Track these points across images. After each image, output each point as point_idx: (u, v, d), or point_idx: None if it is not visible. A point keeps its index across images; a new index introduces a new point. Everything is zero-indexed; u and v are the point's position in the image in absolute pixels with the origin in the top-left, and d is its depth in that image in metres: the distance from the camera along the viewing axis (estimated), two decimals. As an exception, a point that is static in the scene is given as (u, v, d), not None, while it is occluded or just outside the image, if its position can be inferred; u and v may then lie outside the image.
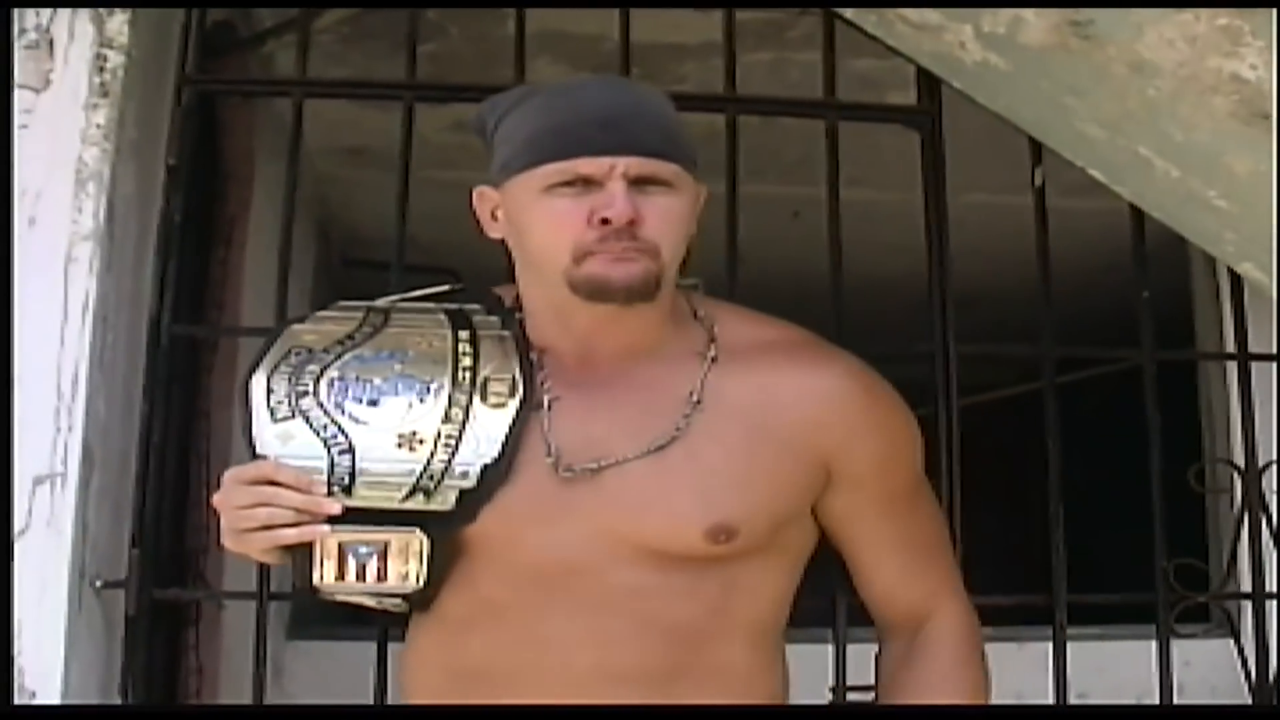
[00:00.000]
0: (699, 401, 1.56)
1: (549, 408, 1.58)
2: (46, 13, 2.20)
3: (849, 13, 2.26)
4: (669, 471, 1.53)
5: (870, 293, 1.69)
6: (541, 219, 1.53)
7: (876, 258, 3.17)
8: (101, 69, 2.21)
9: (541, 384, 1.60)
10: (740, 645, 1.60)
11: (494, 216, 1.62)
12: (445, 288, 1.73)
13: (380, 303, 1.73)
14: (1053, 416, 2.28)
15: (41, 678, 2.03)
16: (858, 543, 1.67)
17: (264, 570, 2.22)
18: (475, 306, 1.69)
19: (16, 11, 2.17)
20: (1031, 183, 2.33)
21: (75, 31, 2.21)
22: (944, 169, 2.36)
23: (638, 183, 1.50)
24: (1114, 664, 3.14)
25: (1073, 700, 2.23)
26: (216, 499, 1.59)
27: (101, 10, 2.22)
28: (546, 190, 1.52)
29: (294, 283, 2.40)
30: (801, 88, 2.99)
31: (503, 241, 1.65)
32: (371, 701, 2.20)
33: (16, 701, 1.98)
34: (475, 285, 1.74)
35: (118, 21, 2.23)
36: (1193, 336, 3.92)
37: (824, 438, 1.57)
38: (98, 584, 2.18)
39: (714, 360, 1.58)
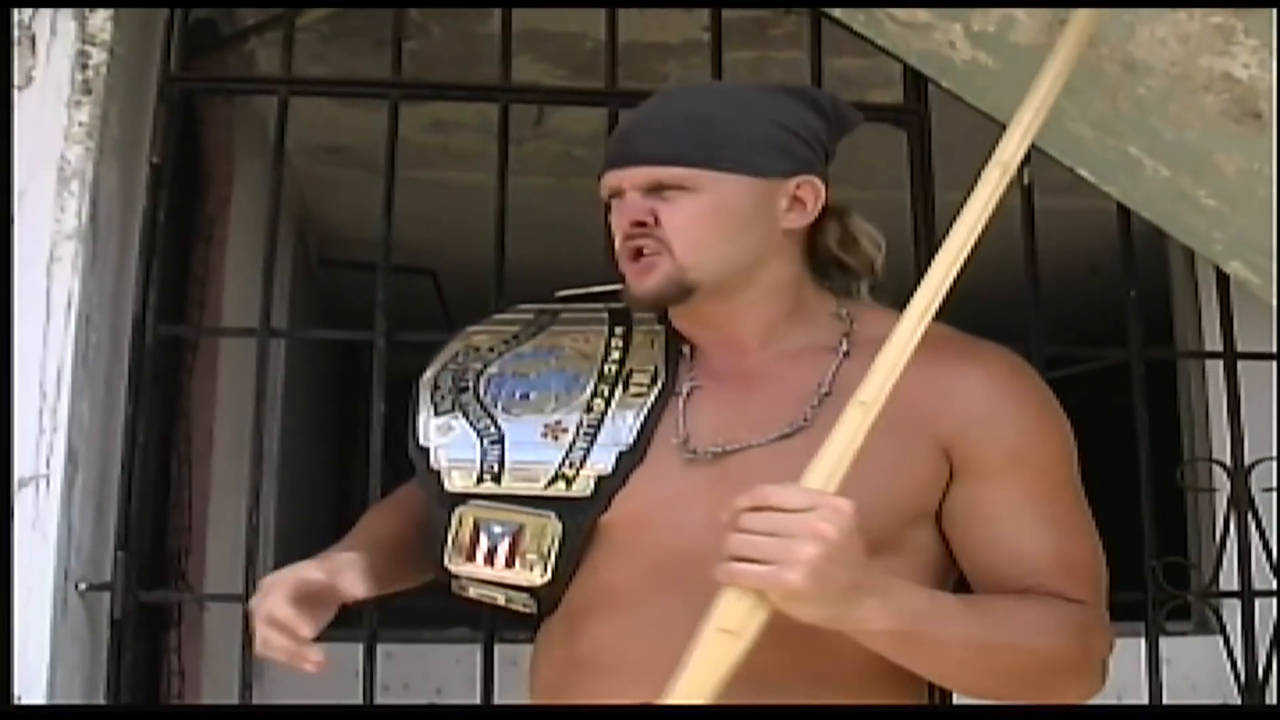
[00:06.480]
0: (828, 393, 1.54)
1: (688, 395, 1.60)
2: (28, 9, 2.17)
3: (837, 11, 2.25)
4: (790, 460, 1.47)
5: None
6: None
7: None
8: (84, 66, 2.19)
9: (687, 374, 1.62)
10: (866, 650, 1.45)
11: None
12: (619, 286, 1.72)
13: (553, 304, 1.78)
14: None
15: (27, 682, 2.01)
16: (977, 546, 1.53)
17: (249, 572, 2.21)
18: None
19: (-4, 7, 2.15)
20: (1019, 181, 2.33)
21: (57, 28, 2.19)
22: (931, 167, 2.36)
23: (656, 189, 1.55)
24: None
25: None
26: (252, 603, 1.56)
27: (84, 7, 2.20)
28: (606, 205, 1.60)
29: (273, 281, 2.39)
30: (785, 87, 2.99)
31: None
32: (356, 703, 2.19)
33: (-1, 707, 1.97)
34: None
35: (100, 18, 2.21)
36: (1171, 336, 3.95)
37: (941, 424, 1.51)
38: (82, 586, 2.16)
39: (846, 354, 1.57)
